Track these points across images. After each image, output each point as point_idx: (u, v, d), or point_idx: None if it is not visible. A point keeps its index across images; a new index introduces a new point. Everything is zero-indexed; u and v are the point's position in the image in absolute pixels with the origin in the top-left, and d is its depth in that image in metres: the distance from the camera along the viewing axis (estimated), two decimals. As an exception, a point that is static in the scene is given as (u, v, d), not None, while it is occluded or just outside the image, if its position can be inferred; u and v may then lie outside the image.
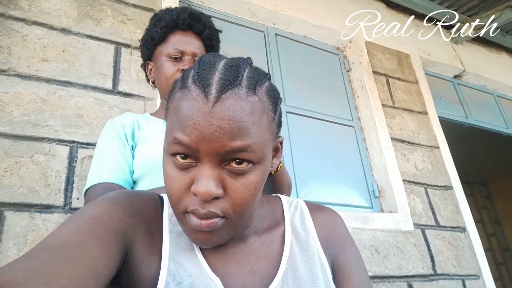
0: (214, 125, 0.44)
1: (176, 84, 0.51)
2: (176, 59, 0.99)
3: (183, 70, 0.94)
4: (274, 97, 0.53)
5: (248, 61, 0.52)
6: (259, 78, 0.50)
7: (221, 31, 1.10)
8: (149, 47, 1.05)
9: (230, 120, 0.44)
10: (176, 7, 1.05)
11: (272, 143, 0.52)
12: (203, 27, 1.02)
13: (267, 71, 0.56)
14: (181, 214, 0.49)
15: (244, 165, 0.47)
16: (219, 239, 0.50)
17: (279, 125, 0.55)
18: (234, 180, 0.47)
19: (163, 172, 0.50)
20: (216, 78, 0.46)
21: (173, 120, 0.47)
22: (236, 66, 0.48)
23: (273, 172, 0.85)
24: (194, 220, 0.47)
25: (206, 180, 0.45)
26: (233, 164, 0.46)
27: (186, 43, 1.00)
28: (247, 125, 0.45)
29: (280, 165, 0.86)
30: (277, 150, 0.58)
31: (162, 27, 1.01)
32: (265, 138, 0.48)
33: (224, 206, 0.47)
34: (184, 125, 0.45)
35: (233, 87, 0.45)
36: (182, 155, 0.47)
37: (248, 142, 0.45)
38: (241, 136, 0.45)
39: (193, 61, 0.99)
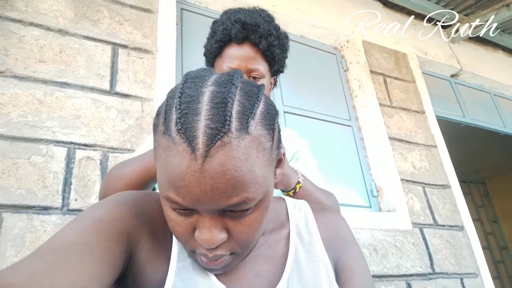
0: (207, 184, 0.40)
1: (159, 120, 0.46)
2: None
3: None
4: (270, 120, 0.47)
5: (236, 83, 0.45)
6: (251, 107, 0.44)
7: (286, 36, 0.99)
8: (208, 59, 1.01)
9: (222, 178, 0.40)
10: (231, 16, 0.93)
11: (273, 168, 0.49)
12: (259, 39, 0.91)
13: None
14: (190, 251, 0.49)
15: (245, 209, 0.45)
16: (230, 267, 0.51)
17: (278, 142, 0.51)
18: (237, 223, 0.45)
19: (163, 211, 0.48)
20: (201, 127, 0.40)
21: (162, 173, 0.44)
22: (223, 103, 0.42)
23: (291, 193, 0.81)
24: (204, 260, 0.47)
25: (208, 230, 0.44)
26: (234, 211, 0.45)
27: (239, 59, 0.92)
28: (243, 178, 0.41)
29: (299, 186, 0.81)
30: (279, 161, 0.55)
31: (216, 41, 0.94)
32: (264, 175, 0.45)
33: (230, 246, 0.47)
34: (176, 186, 0.42)
35: (222, 136, 0.40)
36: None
37: (245, 195, 0.42)
38: (237, 192, 0.41)
39: (249, 77, 0.92)
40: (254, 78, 0.92)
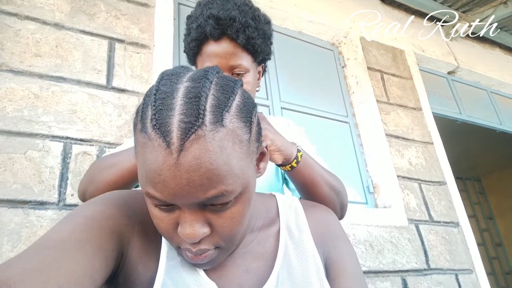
0: (183, 178, 0.41)
1: (137, 119, 0.46)
2: None
3: None
4: (247, 113, 0.47)
5: (211, 78, 0.45)
6: (225, 100, 0.44)
7: (267, 22, 0.93)
8: (189, 57, 0.96)
9: (198, 171, 0.41)
10: (204, 11, 0.87)
11: (253, 161, 0.49)
12: (236, 34, 0.85)
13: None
14: (176, 248, 0.49)
15: (225, 202, 0.45)
16: (217, 262, 0.51)
17: (258, 135, 0.51)
18: (219, 217, 0.46)
19: (148, 208, 0.48)
20: (175, 122, 0.41)
21: (141, 169, 0.44)
22: (196, 97, 0.42)
23: (287, 167, 0.78)
24: (189, 255, 0.48)
25: (190, 224, 0.45)
26: (214, 204, 0.45)
27: (219, 56, 0.86)
28: (218, 170, 0.42)
29: (300, 154, 0.77)
30: (262, 154, 0.55)
31: (193, 39, 0.89)
32: (242, 167, 0.45)
33: (213, 240, 0.47)
34: (153, 182, 0.42)
35: (196, 129, 0.40)
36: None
37: (223, 187, 0.42)
38: (214, 184, 0.42)
39: (232, 74, 0.87)
40: (238, 74, 0.88)
